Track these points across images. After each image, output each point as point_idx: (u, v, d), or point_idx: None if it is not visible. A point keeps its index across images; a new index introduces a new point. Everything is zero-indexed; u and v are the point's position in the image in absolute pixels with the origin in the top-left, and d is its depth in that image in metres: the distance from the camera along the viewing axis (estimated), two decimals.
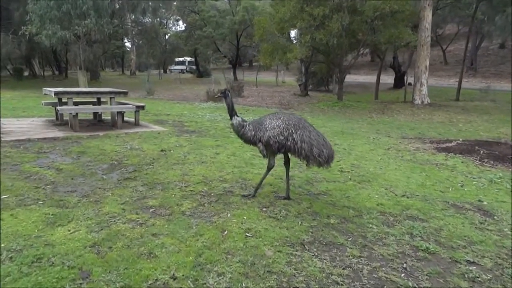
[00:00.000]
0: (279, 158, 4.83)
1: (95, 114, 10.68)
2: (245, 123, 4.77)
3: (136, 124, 9.98)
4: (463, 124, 13.71)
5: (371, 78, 39.46)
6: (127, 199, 4.56)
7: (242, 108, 16.24)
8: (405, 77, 22.55)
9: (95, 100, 10.43)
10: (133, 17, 36.12)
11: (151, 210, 4.25)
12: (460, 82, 22.96)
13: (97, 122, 10.40)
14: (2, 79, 29.89)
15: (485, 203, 5.03)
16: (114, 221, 3.88)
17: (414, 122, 14.13)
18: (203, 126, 10.60)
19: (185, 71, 48.23)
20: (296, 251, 3.42)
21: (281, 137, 4.41)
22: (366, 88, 29.94)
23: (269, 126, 4.51)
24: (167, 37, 45.08)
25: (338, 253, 3.43)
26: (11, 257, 3.08)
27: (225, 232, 3.71)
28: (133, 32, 37.36)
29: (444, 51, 42.76)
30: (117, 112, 9.32)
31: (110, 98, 9.48)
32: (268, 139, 4.48)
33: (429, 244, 3.67)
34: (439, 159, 7.55)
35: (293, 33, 26.57)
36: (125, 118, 10.28)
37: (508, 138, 10.84)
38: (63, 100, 9.32)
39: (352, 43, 18.29)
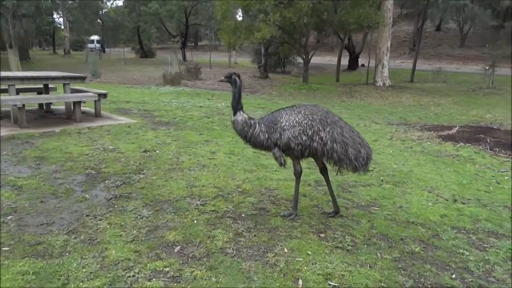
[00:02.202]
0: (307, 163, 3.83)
1: (41, 103, 8.79)
2: (253, 122, 3.71)
3: (97, 115, 8.32)
4: (435, 107, 13.69)
5: (321, 59, 39.44)
6: (135, 232, 3.30)
7: (207, 93, 14.87)
8: (375, 59, 21.98)
9: (41, 86, 8.54)
10: None
11: (176, 249, 3.06)
12: (414, 64, 23.48)
13: (45, 114, 8.55)
14: None
15: None
16: (134, 276, 2.65)
17: (388, 106, 13.84)
18: (176, 116, 9.20)
19: (94, 49, 45.08)
20: None
21: (304, 137, 3.43)
22: (321, 69, 29.68)
23: (287, 124, 3.50)
24: (102, 12, 41.06)
25: None
26: None
27: (300, 283, 2.67)
28: (66, 6, 33.36)
29: None
30: (74, 102, 7.62)
31: (64, 84, 7.72)
32: (288, 141, 3.48)
33: None
34: (450, 149, 7.05)
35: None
36: (81, 108, 8.54)
37: (487, 121, 10.86)
38: (1, 87, 7.37)
39: (317, 23, 17.52)
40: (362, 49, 28.84)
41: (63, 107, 8.53)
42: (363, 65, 29.63)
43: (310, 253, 3.07)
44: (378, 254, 3.14)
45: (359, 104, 13.98)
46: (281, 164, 3.69)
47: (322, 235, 3.41)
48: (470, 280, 2.85)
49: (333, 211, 3.85)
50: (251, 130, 3.69)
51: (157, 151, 5.94)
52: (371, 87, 18.93)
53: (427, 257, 3.15)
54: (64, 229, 3.29)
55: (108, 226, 3.37)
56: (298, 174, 3.76)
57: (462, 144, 7.24)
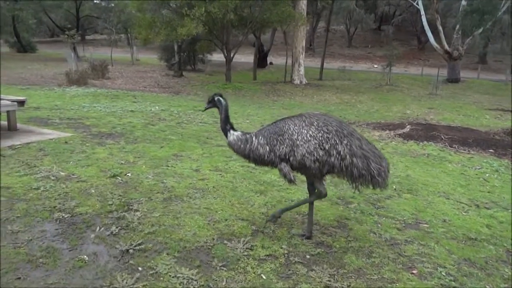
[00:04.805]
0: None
1: None
2: (248, 136, 3.28)
3: (13, 129, 6.43)
4: (360, 105, 14.42)
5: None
6: None
7: (127, 94, 13.13)
8: (291, 58, 22.28)
9: None
10: None
11: None
12: (322, 63, 24.72)
13: None
14: None
15: None
16: None
17: (319, 104, 14.10)
18: (114, 124, 7.70)
19: None
20: None
21: (321, 152, 2.98)
22: (233, 68, 29.21)
23: (300, 137, 3.02)
24: None
25: None
26: None
27: None
28: None
29: (284, 32, 45.95)
30: None
31: None
32: (303, 159, 3.00)
33: None
34: (417, 148, 7.24)
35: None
36: None
37: (413, 117, 11.77)
38: None
39: (239, 20, 17.00)
40: (270, 48, 29.35)
41: None
42: (271, 63, 30.25)
43: None
44: (487, 287, 2.77)
45: (291, 104, 13.93)
46: (290, 181, 3.17)
47: (415, 271, 2.91)
48: None
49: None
50: (248, 146, 3.24)
51: (129, 174, 4.70)
52: (290, 85, 19.22)
53: None
54: None
55: None
56: (323, 197, 3.30)
57: (425, 142, 7.51)
